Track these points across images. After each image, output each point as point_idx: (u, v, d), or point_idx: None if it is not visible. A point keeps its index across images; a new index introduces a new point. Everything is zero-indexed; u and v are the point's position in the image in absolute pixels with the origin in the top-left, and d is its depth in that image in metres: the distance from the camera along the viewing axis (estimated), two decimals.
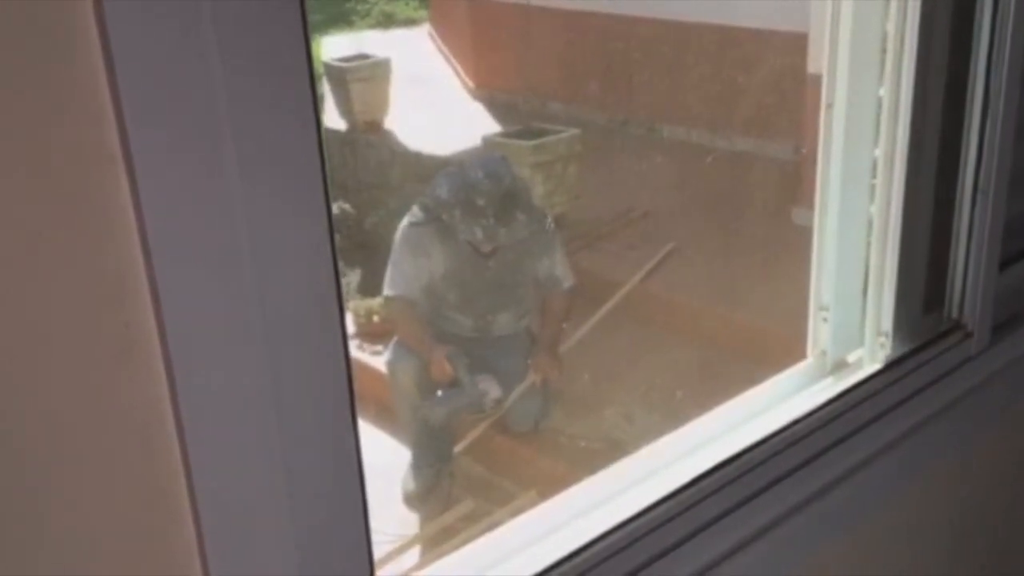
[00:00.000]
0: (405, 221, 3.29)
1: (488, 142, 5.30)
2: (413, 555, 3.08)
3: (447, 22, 8.14)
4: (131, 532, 0.63)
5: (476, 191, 3.17)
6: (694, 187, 5.23)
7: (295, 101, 0.61)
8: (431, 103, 6.94)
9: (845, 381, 1.22)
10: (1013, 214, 1.32)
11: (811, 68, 4.29)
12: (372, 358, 3.74)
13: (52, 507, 0.59)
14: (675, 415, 2.07)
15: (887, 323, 1.23)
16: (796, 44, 4.45)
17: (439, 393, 3.28)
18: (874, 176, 1.21)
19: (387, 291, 3.29)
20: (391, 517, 3.19)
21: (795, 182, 4.61)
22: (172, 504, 0.63)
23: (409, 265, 3.25)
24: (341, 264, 0.70)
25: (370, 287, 4.14)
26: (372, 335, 3.98)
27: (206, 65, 0.57)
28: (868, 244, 1.23)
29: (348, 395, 0.69)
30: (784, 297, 2.16)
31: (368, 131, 6.30)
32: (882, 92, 1.17)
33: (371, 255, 4.20)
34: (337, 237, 0.66)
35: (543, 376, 3.37)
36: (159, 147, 0.56)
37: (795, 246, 2.09)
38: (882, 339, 1.24)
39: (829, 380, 1.24)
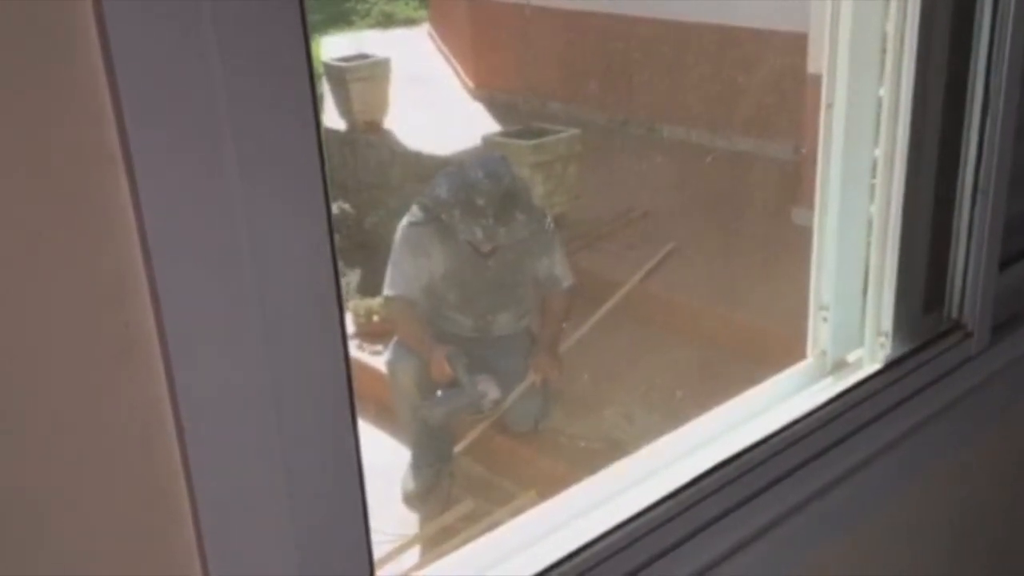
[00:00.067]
0: (405, 221, 3.29)
1: (488, 142, 5.30)
2: (413, 555, 3.08)
3: (447, 22, 8.14)
4: (131, 532, 0.62)
5: (476, 191, 3.17)
6: (694, 187, 5.23)
7: (295, 101, 0.61)
8: (431, 103, 6.94)
9: (845, 381, 1.22)
10: (1013, 214, 1.32)
11: (811, 68, 4.29)
12: (372, 358, 3.74)
13: (52, 507, 0.59)
14: (675, 415, 2.06)
15: (887, 323, 1.23)
16: (796, 44, 4.45)
17: (439, 393, 3.28)
18: (874, 176, 1.21)
19: (387, 291, 3.29)
20: (391, 517, 3.19)
21: (795, 182, 4.61)
22: (172, 504, 0.63)
23: (409, 265, 3.25)
24: (341, 264, 0.70)
25: (370, 287, 4.14)
26: (372, 335, 3.98)
27: (206, 65, 0.57)
28: (868, 244, 1.23)
29: (348, 395, 0.69)
30: (784, 297, 2.17)
31: (368, 131, 6.30)
32: (882, 92, 1.17)
33: (371, 255, 4.20)
34: (337, 237, 0.66)
35: (543, 376, 3.37)
36: (159, 147, 0.56)
37: (795, 246, 2.09)
38: (882, 339, 1.24)
39: (829, 380, 1.24)
